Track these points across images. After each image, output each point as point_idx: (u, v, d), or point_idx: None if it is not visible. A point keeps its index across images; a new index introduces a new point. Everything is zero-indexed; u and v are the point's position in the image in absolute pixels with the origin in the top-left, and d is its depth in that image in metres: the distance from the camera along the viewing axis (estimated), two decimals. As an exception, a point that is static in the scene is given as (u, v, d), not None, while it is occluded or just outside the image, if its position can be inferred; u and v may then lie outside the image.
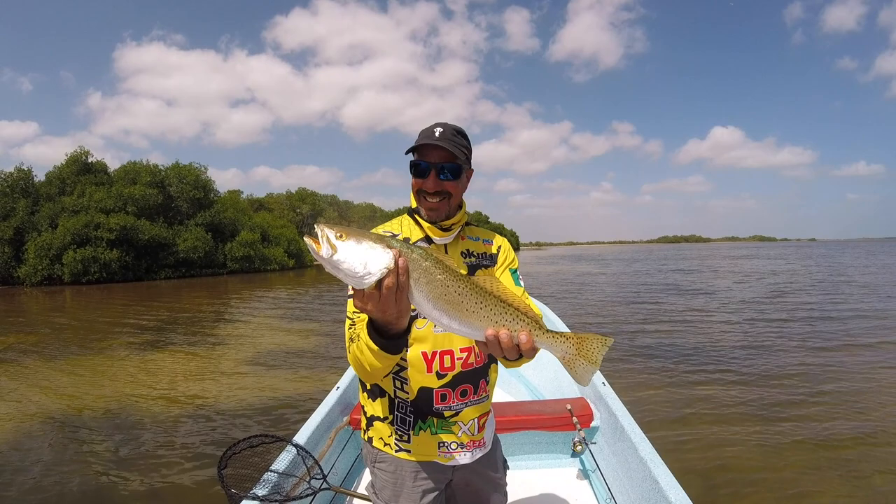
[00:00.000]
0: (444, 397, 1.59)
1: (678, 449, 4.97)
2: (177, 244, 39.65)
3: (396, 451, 1.64)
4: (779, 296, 18.24)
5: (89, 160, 41.53)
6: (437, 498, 1.66)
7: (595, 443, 3.04)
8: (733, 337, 10.80)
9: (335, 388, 3.32)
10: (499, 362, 1.62)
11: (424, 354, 1.56)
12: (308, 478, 2.30)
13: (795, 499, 4.14)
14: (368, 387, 1.68)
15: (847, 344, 9.87)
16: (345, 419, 3.09)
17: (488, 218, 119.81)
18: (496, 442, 1.83)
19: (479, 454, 1.69)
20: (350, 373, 3.51)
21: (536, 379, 4.44)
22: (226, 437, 5.56)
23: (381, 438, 1.66)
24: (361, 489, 2.75)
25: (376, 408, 1.67)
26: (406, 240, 1.56)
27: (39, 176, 40.97)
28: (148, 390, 7.47)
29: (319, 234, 1.02)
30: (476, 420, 1.66)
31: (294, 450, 2.37)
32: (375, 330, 1.25)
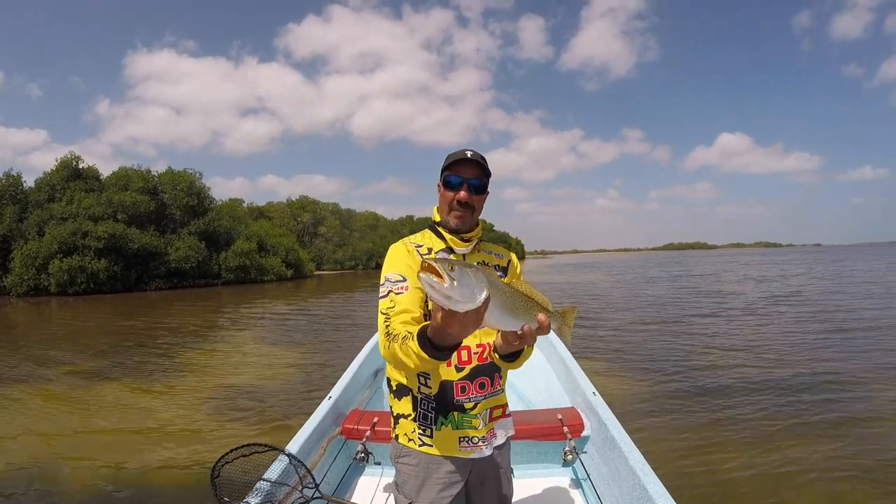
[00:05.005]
0: (463, 389, 1.73)
1: (669, 459, 4.85)
2: (168, 253, 38.24)
3: (420, 446, 1.75)
4: (788, 298, 16.90)
5: (80, 166, 40.27)
6: (458, 493, 1.76)
7: (585, 452, 3.05)
8: (745, 346, 10.35)
9: (327, 397, 3.33)
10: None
11: None
12: (300, 486, 2.29)
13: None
14: (394, 387, 1.81)
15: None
16: (337, 428, 3.12)
17: (493, 226, 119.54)
18: (508, 443, 1.92)
19: (494, 444, 1.81)
20: (341, 383, 3.56)
21: (527, 389, 4.46)
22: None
23: (406, 434, 1.77)
24: (353, 498, 2.89)
25: (402, 406, 1.79)
26: (430, 250, 1.81)
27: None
28: (93, 430, 6.32)
29: (440, 269, 1.17)
30: (490, 411, 1.79)
31: (286, 459, 2.33)
32: (429, 341, 1.38)
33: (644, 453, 2.53)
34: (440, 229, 1.83)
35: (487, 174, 1.79)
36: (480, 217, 1.91)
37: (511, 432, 1.90)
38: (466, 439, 1.74)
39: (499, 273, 1.87)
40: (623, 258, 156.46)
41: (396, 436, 1.82)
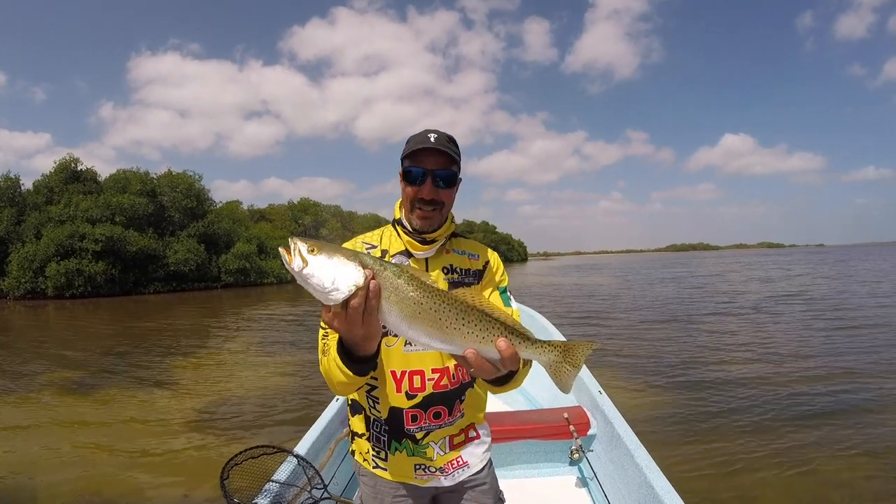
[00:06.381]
0: (414, 418, 1.56)
1: (678, 462, 4.78)
2: (167, 256, 37.80)
3: (374, 468, 1.64)
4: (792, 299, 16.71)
5: (78, 168, 39.89)
6: None
7: (592, 451, 3.05)
8: (753, 347, 10.15)
9: (335, 399, 3.34)
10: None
11: (393, 373, 1.55)
12: (309, 487, 2.32)
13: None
14: (349, 402, 1.70)
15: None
16: (345, 430, 3.09)
17: (496, 228, 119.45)
18: (490, 468, 1.74)
19: (462, 475, 1.64)
20: None
21: (533, 388, 4.45)
22: None
23: (361, 453, 1.67)
24: None
25: (356, 423, 1.68)
26: (384, 253, 1.58)
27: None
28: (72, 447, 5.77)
29: (292, 247, 1.02)
30: (448, 439, 1.61)
31: (295, 460, 2.38)
32: (345, 350, 1.24)
33: (651, 453, 2.52)
34: (399, 229, 1.62)
35: (457, 161, 1.54)
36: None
37: (489, 455, 1.72)
38: (423, 467, 1.60)
39: (470, 279, 1.62)
40: (626, 260, 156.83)
41: (353, 451, 1.72)
